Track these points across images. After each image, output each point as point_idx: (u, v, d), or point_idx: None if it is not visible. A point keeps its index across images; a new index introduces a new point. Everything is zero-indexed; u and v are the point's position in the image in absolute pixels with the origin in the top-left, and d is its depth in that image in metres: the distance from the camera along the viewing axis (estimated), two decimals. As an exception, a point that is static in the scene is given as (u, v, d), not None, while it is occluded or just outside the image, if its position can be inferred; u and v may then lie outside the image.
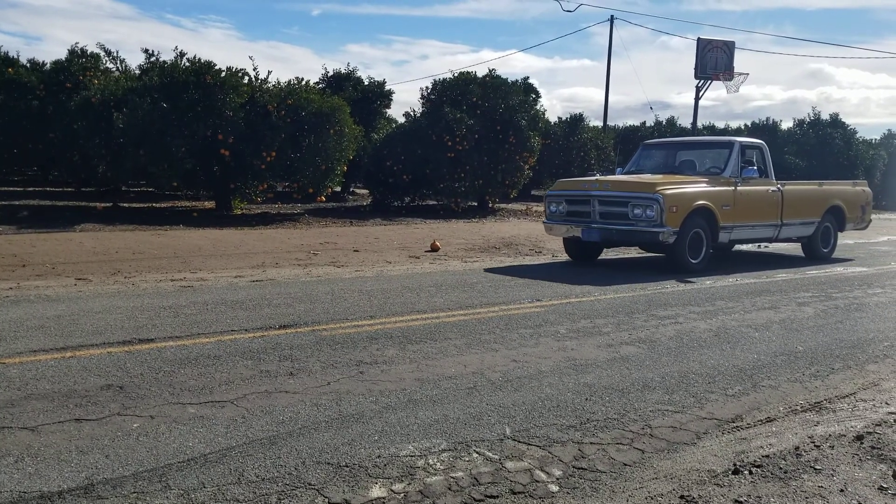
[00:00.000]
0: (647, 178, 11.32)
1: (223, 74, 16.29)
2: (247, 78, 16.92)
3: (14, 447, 3.52)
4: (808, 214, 12.44)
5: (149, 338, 5.67)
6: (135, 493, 3.12)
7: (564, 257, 12.08)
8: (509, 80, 22.51)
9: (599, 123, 35.64)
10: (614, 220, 10.56)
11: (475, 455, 3.69)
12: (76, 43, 30.96)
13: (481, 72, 23.60)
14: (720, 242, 11.19)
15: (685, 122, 46.47)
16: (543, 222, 11.84)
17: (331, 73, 26.58)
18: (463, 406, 4.38)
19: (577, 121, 30.43)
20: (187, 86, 15.92)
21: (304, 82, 17.91)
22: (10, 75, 23.26)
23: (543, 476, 3.49)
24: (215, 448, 3.62)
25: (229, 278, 9.06)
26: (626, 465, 3.67)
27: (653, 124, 37.34)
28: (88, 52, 23.50)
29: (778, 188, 11.91)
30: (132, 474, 3.29)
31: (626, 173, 12.23)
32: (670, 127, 36.67)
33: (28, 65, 24.45)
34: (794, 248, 14.02)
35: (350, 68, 26.95)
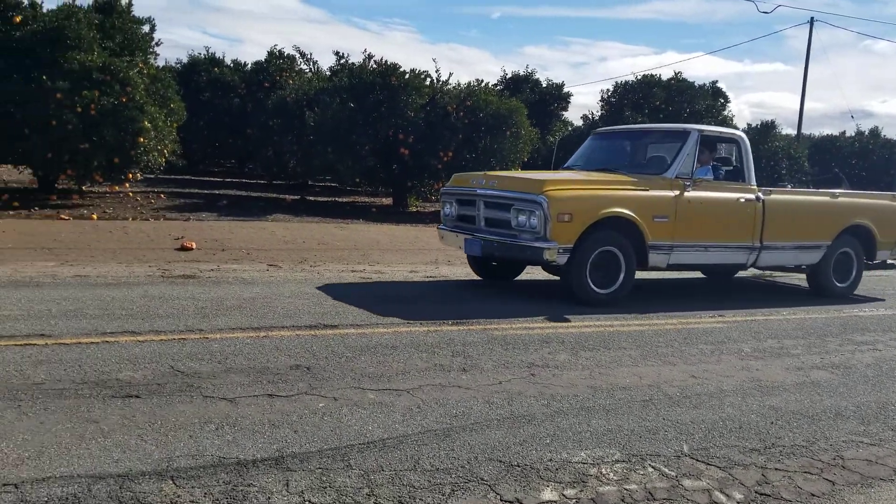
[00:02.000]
0: (538, 174, 8.77)
1: (407, 76, 16.93)
2: (428, 80, 17.48)
3: (215, 416, 3.87)
4: (809, 235, 8.92)
5: (333, 324, 6.02)
6: (320, 468, 3.33)
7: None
8: (695, 84, 21.70)
9: (791, 131, 33.43)
10: (498, 228, 7.78)
11: (650, 469, 3.60)
12: (275, 45, 33.30)
13: (664, 75, 22.83)
14: (654, 266, 7.99)
15: (892, 132, 42.42)
16: (437, 228, 9.13)
17: (509, 76, 26.88)
18: (638, 418, 4.29)
19: (767, 128, 28.67)
20: (373, 87, 16.69)
21: (482, 84, 18.24)
22: (216, 74, 25.48)
23: (723, 498, 3.35)
24: (392, 434, 3.78)
25: (404, 272, 9.41)
26: (813, 495, 3.45)
27: (853, 134, 34.50)
28: (285, 54, 25.29)
29: (756, 197, 8.48)
30: (317, 451, 3.52)
31: (564, 169, 9.37)
32: (874, 138, 33.68)
33: (231, 65, 26.70)
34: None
35: (528, 70, 27.11)
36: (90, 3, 16.60)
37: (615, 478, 3.47)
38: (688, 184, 8.00)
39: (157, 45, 17.87)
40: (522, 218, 7.39)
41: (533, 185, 7.51)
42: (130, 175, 15.50)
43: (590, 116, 22.50)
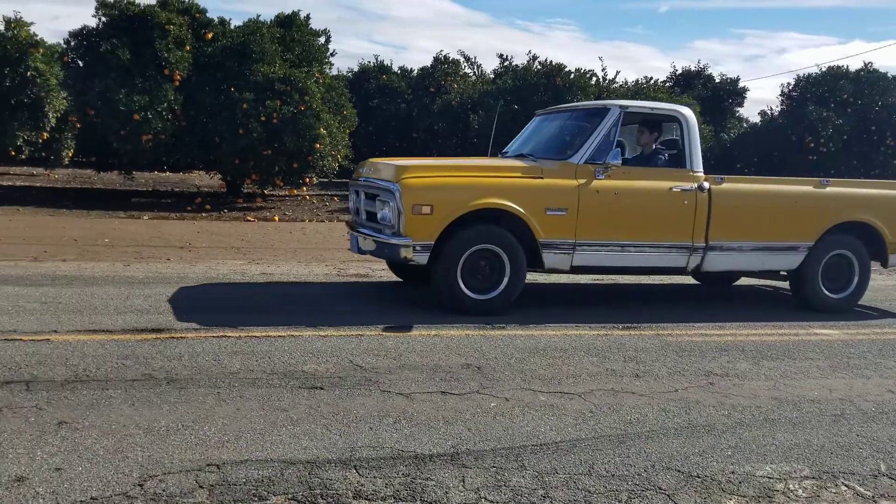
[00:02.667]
0: (408, 160, 7.85)
1: (572, 76, 16.80)
2: (594, 79, 17.25)
3: (392, 410, 4.03)
4: (779, 234, 7.20)
5: (501, 325, 6.09)
6: (494, 467, 3.38)
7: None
8: (888, 75, 19.93)
9: None
10: (372, 222, 6.76)
11: (843, 488, 3.36)
12: (440, 51, 34.04)
13: (851, 66, 21.21)
14: (553, 268, 6.73)
15: None
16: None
17: (679, 72, 25.96)
18: (828, 433, 4.02)
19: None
20: (538, 88, 16.71)
21: (651, 81, 17.77)
22: (384, 81, 26.48)
23: (933, 527, 3.06)
24: (566, 437, 3.77)
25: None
26: None
27: None
28: (450, 59, 25.86)
29: (697, 186, 6.89)
30: (491, 449, 3.57)
31: (511, 156, 7.65)
32: None
33: (398, 71, 27.67)
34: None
35: (700, 65, 26.04)
36: (272, 18, 17.80)
37: (804, 495, 3.28)
38: (599, 169, 6.63)
39: (332, 55, 18.87)
40: (385, 210, 6.44)
41: (392, 172, 6.47)
42: (307, 179, 16.48)
43: (769, 112, 21.29)
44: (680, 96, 17.72)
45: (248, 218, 13.86)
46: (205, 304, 6.34)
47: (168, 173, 24.45)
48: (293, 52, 17.05)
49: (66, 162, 24.78)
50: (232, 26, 17.41)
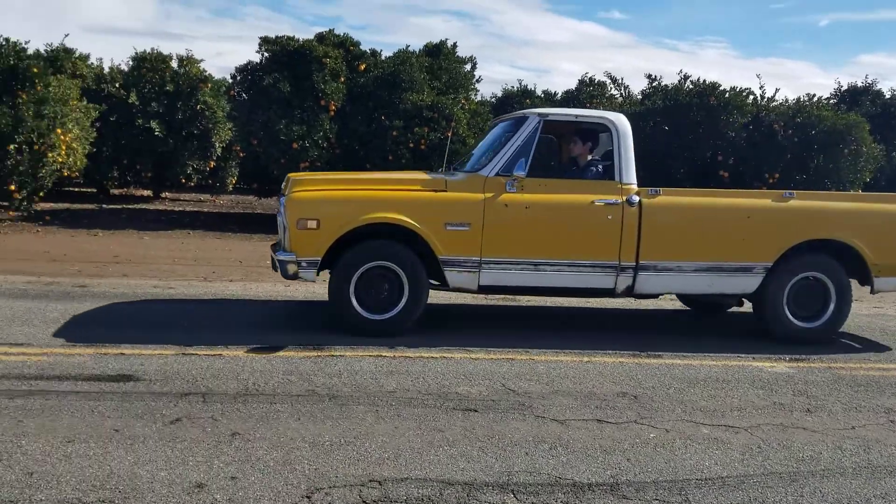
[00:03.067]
0: (315, 174, 7.74)
1: (727, 95, 16.17)
2: (751, 97, 16.52)
3: (547, 436, 4.00)
4: (730, 253, 6.38)
5: (657, 353, 5.90)
6: (656, 499, 3.28)
7: None
8: None
9: None
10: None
11: None
12: (585, 73, 33.81)
13: None
14: (458, 287, 6.27)
15: None
16: None
17: (844, 88, 24.39)
18: None
19: None
20: (690, 108, 16.20)
21: (814, 98, 16.79)
22: (528, 105, 26.53)
23: None
24: (732, 472, 3.60)
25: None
26: None
27: None
28: (595, 81, 25.60)
29: (626, 200, 6.25)
30: (653, 482, 3.46)
31: (455, 169, 7.26)
32: None
33: (542, 95, 27.69)
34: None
35: (868, 81, 24.34)
36: (421, 48, 18.37)
37: None
38: (510, 182, 6.15)
39: (478, 81, 19.19)
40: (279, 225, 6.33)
41: (288, 185, 6.24)
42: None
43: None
44: (846, 114, 16.61)
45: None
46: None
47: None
48: (440, 79, 17.49)
49: (230, 189, 26.52)
50: (383, 57, 18.11)
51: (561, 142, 7.18)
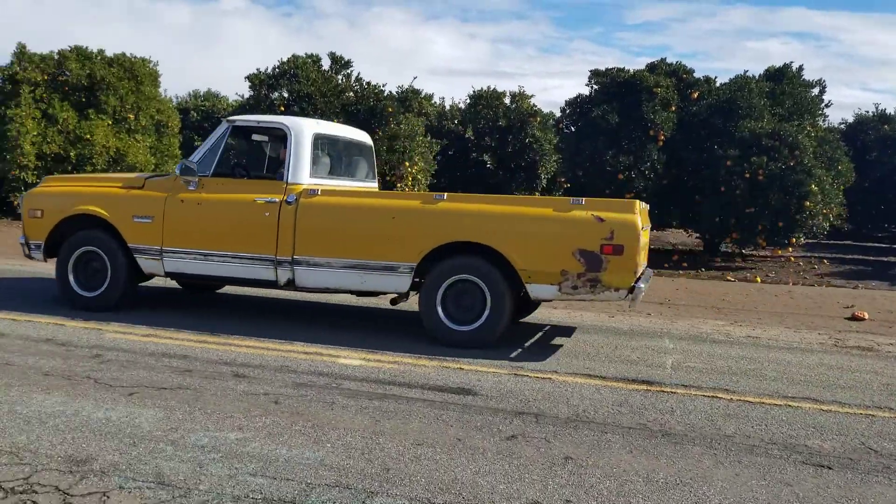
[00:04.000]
0: (55, 176, 9.32)
1: None
2: None
3: (923, 507, 3.47)
4: (375, 252, 6.36)
5: None
6: None
7: None
8: None
9: None
10: None
11: None
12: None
13: None
14: (151, 272, 7.00)
15: None
16: None
17: None
18: None
19: None
20: None
21: None
22: (885, 132, 23.72)
23: None
24: None
25: None
26: None
27: None
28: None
29: (286, 199, 6.59)
30: None
31: None
32: None
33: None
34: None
35: None
36: (761, 72, 17.36)
37: None
38: (192, 182, 6.86)
39: (826, 106, 17.62)
40: None
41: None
42: (793, 239, 15.49)
43: None
44: None
45: (728, 277, 13.51)
46: (692, 362, 6.31)
47: (643, 231, 25.32)
48: (783, 105, 16.36)
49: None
50: (717, 84, 17.45)
51: (271, 145, 7.88)
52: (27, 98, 18.13)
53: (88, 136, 18.06)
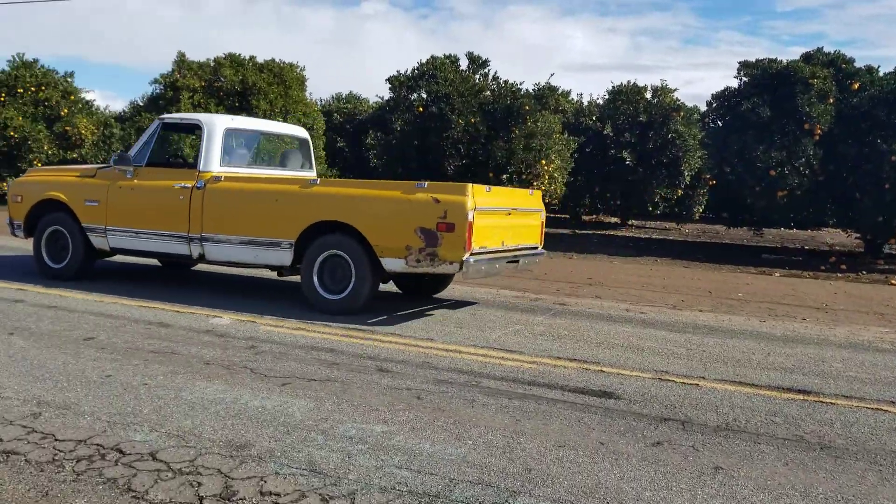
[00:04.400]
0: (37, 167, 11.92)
1: None
2: None
3: None
4: (263, 230, 7.50)
5: None
6: None
7: None
8: None
9: None
10: None
11: None
12: None
13: None
14: (101, 248, 8.44)
15: None
16: None
17: None
18: None
19: None
20: None
21: None
22: None
23: None
24: None
25: None
26: None
27: None
28: None
29: (196, 184, 7.82)
30: None
31: None
32: None
33: None
34: None
35: None
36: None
37: None
38: (129, 171, 8.17)
39: None
40: None
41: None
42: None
43: None
44: None
45: (892, 282, 12.56)
46: (853, 372, 5.92)
47: (795, 230, 23.97)
48: (957, 94, 15.00)
49: (696, 217, 26.37)
50: (881, 73, 16.24)
51: (198, 138, 8.46)
52: (186, 103, 19.47)
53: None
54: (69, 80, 24.23)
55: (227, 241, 7.64)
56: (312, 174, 9.12)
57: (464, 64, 18.67)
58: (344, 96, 30.90)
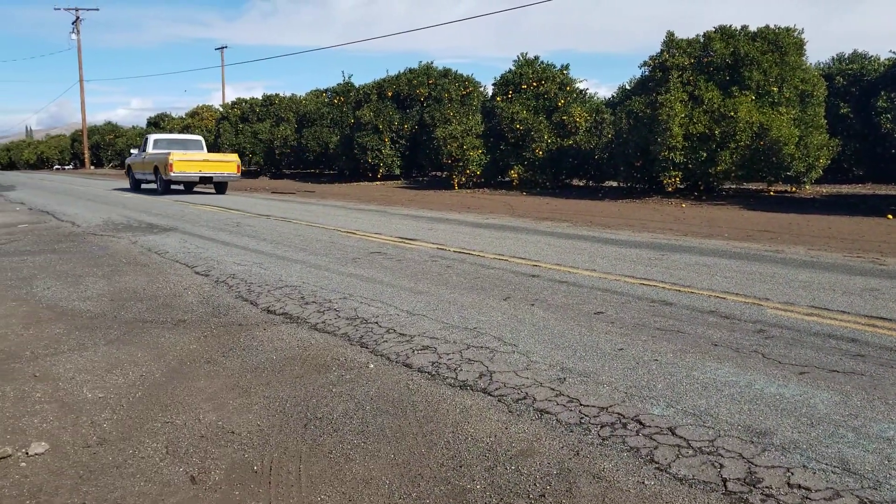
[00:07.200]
0: None
1: None
2: None
3: None
4: None
5: None
6: None
7: None
8: None
9: None
10: None
11: None
12: None
13: None
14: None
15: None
16: None
17: None
18: None
19: None
20: None
21: None
22: None
23: None
24: None
25: None
26: None
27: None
28: None
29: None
30: None
31: None
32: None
33: None
34: None
35: None
36: None
37: None
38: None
39: None
40: None
41: None
42: None
43: None
44: None
45: None
46: None
47: None
48: None
49: None
50: None
51: None
52: (675, 82, 19.60)
53: (732, 114, 18.61)
54: (565, 72, 26.38)
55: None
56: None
57: None
58: (847, 56, 27.83)
